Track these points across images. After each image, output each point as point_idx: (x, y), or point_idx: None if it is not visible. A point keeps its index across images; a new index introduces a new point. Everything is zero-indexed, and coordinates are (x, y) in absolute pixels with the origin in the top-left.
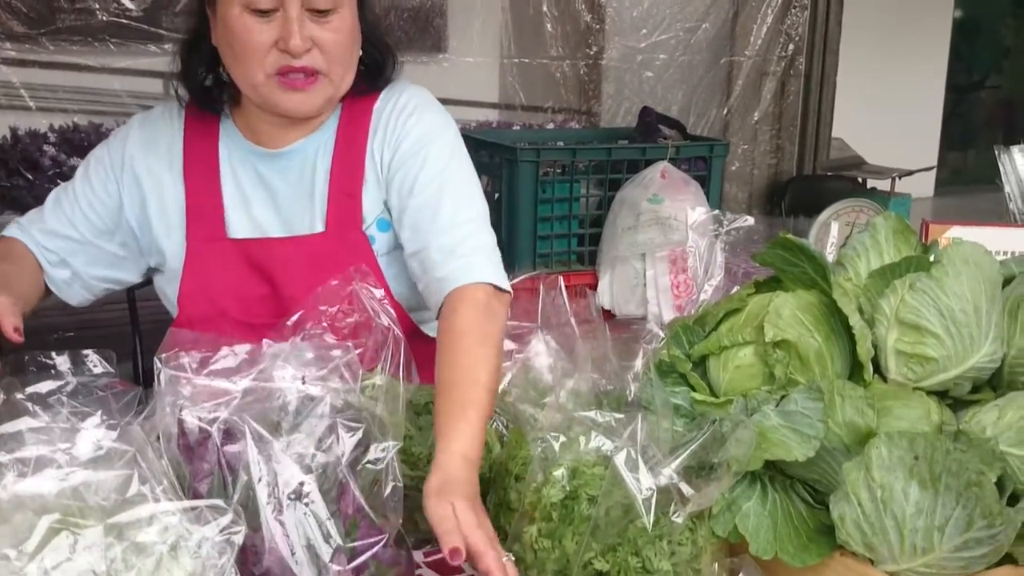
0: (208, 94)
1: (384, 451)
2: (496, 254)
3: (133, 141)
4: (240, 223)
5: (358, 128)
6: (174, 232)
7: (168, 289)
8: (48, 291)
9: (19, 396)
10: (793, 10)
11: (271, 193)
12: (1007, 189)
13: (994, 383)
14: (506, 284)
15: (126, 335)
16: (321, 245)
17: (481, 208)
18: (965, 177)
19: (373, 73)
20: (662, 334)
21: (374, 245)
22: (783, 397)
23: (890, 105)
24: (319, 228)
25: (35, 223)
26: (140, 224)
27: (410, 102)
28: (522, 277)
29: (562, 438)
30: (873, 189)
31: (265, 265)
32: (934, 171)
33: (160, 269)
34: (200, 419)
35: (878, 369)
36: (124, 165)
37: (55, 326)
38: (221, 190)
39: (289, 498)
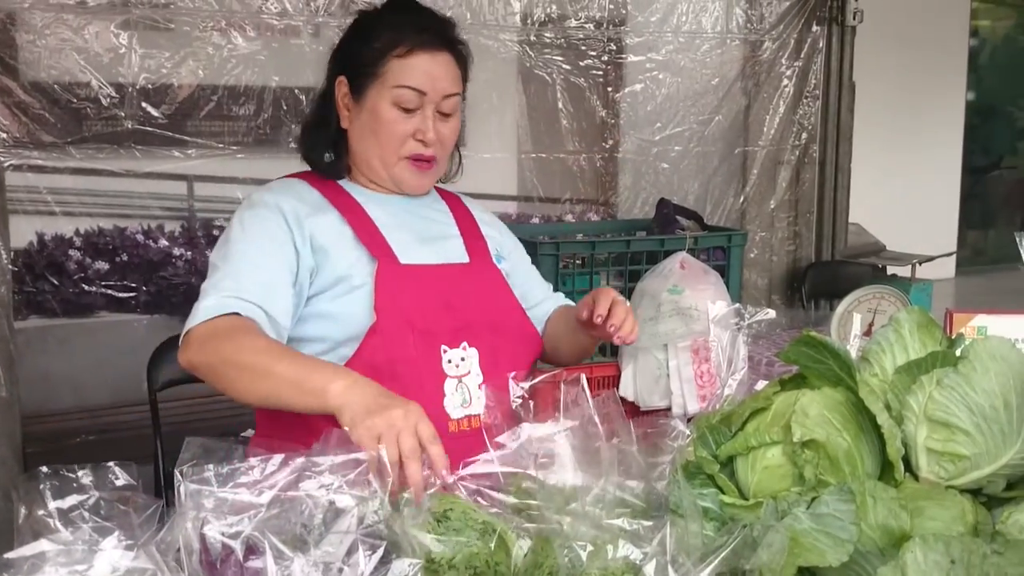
0: (330, 165)
1: (409, 567)
2: None
3: (286, 204)
4: (404, 253)
5: (455, 201)
6: (355, 255)
7: (347, 307)
8: None
9: (41, 513)
10: (805, 100)
11: (417, 228)
12: None
13: None
14: None
15: (147, 437)
16: (469, 273)
17: None
18: (986, 257)
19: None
20: (687, 431)
21: (500, 265)
22: (814, 499)
23: (907, 188)
24: (464, 259)
25: (241, 294)
26: (320, 257)
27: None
28: (545, 376)
29: (589, 547)
30: (894, 275)
31: (435, 286)
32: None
33: (328, 291)
34: (223, 534)
35: (909, 467)
36: (291, 223)
37: (77, 430)
38: (378, 228)
39: None
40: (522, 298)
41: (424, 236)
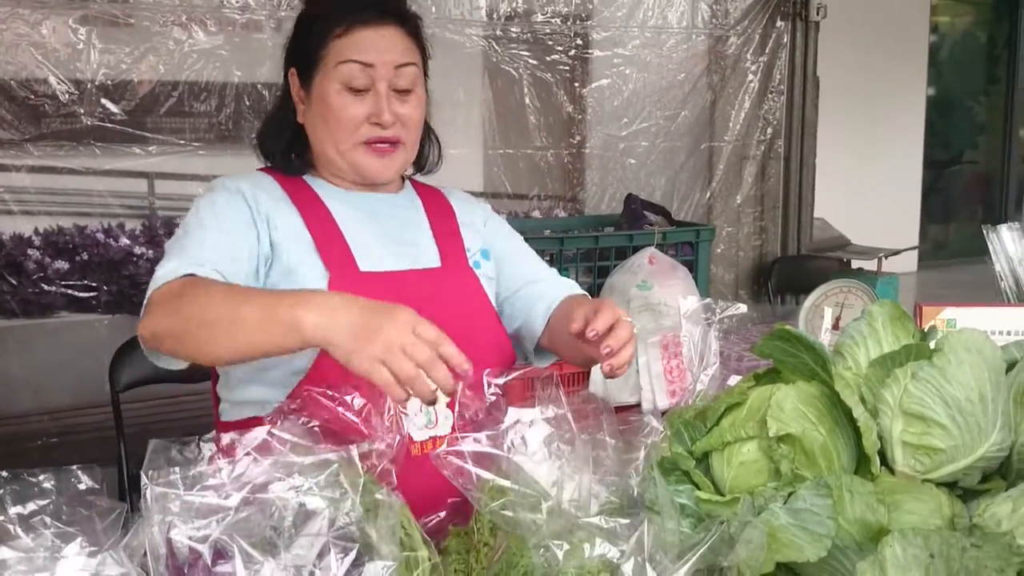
0: (288, 162)
1: (383, 570)
2: None
3: (246, 189)
4: (366, 258)
5: (434, 196)
6: (309, 259)
7: None
8: None
9: (0, 519)
10: (770, 95)
11: (385, 229)
12: (997, 268)
13: (1003, 471)
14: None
15: (110, 439)
16: (439, 278)
17: None
18: (948, 251)
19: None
20: (661, 427)
21: (479, 270)
22: (791, 494)
23: (870, 183)
24: (435, 263)
25: (199, 261)
26: (275, 252)
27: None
28: (516, 373)
29: (565, 545)
30: (859, 269)
31: (396, 294)
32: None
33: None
34: (190, 538)
35: (884, 461)
36: (251, 205)
37: (38, 432)
38: (341, 230)
39: None
40: (517, 280)
41: (391, 238)
